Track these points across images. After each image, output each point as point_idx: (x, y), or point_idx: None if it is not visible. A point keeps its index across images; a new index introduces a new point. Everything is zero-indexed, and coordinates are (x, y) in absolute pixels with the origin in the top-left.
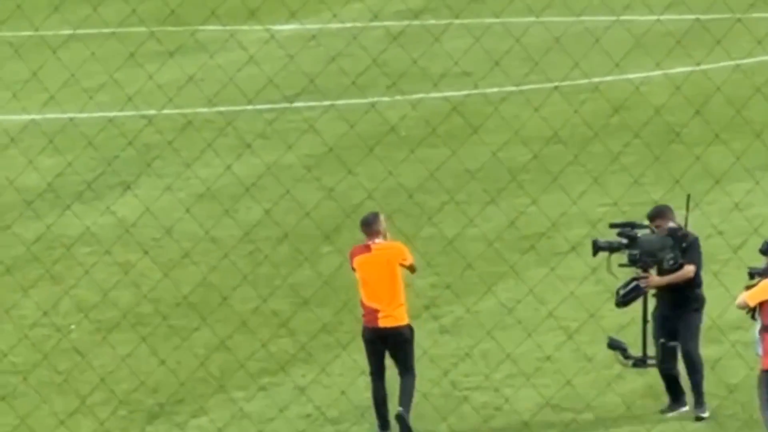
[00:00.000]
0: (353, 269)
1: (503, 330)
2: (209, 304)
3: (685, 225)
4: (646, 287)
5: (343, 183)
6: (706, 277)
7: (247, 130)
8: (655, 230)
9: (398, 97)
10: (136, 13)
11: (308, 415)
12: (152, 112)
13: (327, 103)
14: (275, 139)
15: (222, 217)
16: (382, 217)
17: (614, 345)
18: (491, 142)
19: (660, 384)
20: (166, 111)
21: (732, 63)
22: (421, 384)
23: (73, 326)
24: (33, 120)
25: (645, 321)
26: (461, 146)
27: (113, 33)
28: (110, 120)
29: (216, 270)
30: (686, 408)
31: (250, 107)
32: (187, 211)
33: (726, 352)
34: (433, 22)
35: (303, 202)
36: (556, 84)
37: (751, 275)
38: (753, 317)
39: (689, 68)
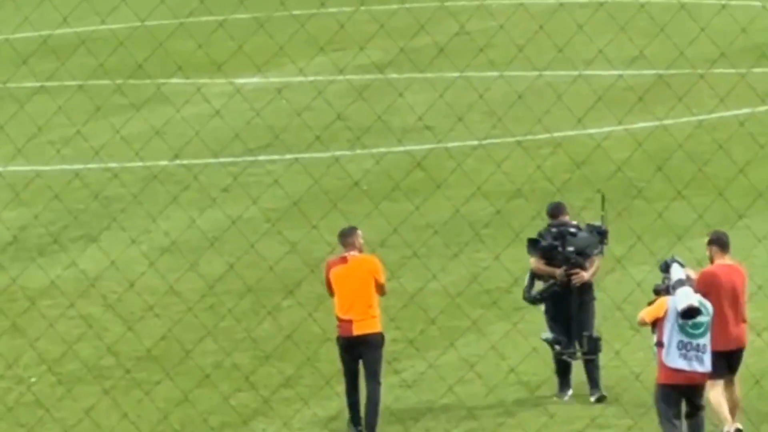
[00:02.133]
0: (327, 281)
1: (464, 385)
2: (171, 357)
3: (602, 222)
4: (578, 282)
5: (306, 237)
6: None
7: (211, 183)
8: (582, 228)
9: (361, 151)
10: (102, 66)
11: None
12: (117, 165)
13: (290, 156)
14: (239, 192)
15: (185, 270)
16: (359, 233)
17: (553, 340)
18: (453, 196)
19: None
20: (130, 164)
21: (694, 119)
22: None
23: (33, 379)
24: None
25: (571, 316)
26: (423, 201)
27: (80, 86)
28: (76, 173)
29: (178, 324)
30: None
31: (214, 161)
32: (151, 264)
33: None
34: (395, 76)
35: (266, 256)
36: (519, 139)
37: (656, 292)
38: (653, 332)
39: (651, 124)
